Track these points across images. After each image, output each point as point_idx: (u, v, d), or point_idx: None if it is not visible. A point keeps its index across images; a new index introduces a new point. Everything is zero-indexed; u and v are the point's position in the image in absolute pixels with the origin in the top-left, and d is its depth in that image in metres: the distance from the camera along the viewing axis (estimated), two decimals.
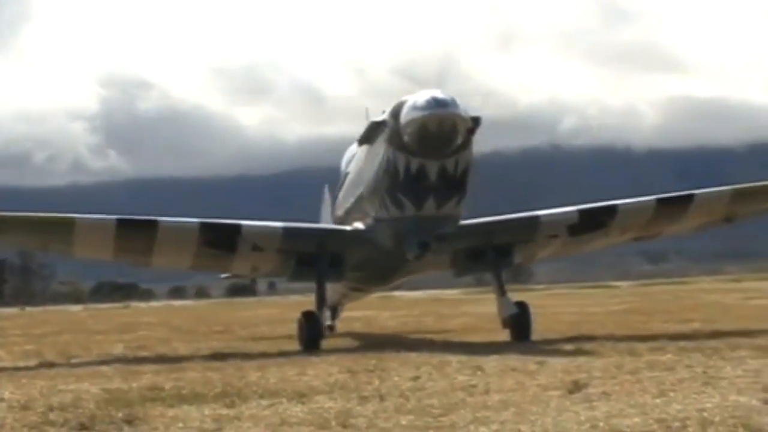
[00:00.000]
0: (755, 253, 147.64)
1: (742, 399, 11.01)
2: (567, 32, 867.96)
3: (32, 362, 21.02)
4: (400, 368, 16.15)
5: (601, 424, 9.67)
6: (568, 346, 19.22)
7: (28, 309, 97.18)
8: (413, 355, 18.37)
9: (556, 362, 16.71)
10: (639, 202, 24.90)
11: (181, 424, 10.57)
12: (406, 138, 21.00)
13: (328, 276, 24.50)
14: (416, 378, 14.66)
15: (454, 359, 17.28)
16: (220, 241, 23.90)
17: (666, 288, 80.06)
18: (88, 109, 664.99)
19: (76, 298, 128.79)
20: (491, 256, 24.39)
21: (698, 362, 15.51)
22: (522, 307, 24.02)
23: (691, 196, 24.78)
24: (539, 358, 17.41)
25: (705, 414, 9.96)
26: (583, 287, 66.21)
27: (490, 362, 16.70)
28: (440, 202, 21.62)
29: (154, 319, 46.20)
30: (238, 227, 24.01)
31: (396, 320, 42.92)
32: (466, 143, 21.29)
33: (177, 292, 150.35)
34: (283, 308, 58.33)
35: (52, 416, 11.28)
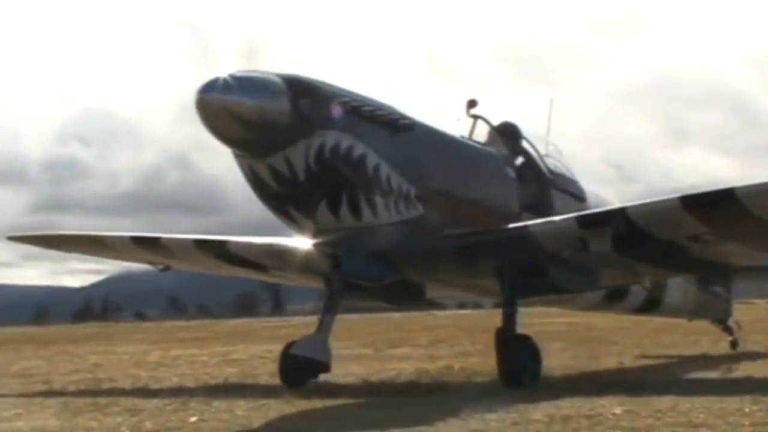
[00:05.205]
0: None
1: None
2: (717, 134, 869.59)
3: (369, 350, 21.39)
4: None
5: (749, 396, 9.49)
6: (722, 343, 18.65)
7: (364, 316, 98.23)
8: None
9: (715, 354, 16.40)
10: (656, 202, 10.79)
11: (466, 393, 10.76)
12: None
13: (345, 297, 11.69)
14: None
15: None
16: (232, 259, 13.93)
17: None
18: None
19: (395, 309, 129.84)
20: (508, 274, 11.54)
21: None
22: (510, 344, 11.20)
23: (731, 190, 10.35)
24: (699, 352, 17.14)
25: None
26: None
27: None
28: (307, 212, 10.46)
29: (448, 322, 46.47)
30: (223, 243, 13.78)
31: None
32: (297, 135, 9.93)
33: (461, 304, 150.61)
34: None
35: (382, 387, 11.47)
